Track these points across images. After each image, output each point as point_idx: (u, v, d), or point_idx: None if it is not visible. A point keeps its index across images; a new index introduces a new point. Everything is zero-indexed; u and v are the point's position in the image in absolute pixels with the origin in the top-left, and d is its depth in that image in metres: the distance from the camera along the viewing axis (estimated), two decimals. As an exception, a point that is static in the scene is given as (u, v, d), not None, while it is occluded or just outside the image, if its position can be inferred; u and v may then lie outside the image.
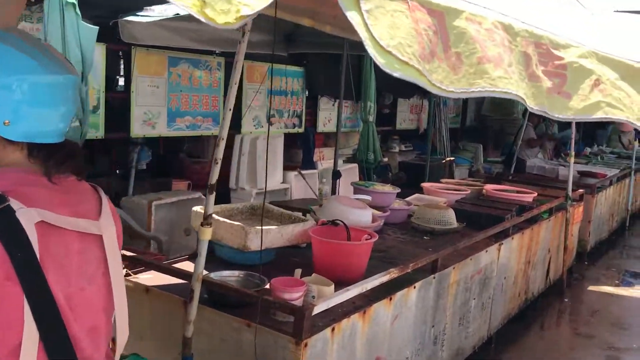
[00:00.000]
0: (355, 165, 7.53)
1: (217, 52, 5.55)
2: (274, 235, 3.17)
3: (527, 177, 8.40)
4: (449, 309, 3.70)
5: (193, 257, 3.56)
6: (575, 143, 14.51)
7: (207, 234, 2.36)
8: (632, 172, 9.75)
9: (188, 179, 5.98)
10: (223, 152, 2.38)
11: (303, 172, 6.77)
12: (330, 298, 2.56)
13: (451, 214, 4.56)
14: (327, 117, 7.25)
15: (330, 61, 7.03)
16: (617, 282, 6.76)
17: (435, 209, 4.56)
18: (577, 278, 6.76)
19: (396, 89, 8.46)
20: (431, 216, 4.51)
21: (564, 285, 6.09)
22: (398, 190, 4.72)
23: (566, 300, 5.93)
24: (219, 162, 2.31)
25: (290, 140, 7.05)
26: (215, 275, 2.85)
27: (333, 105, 7.27)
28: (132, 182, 5.21)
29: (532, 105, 1.76)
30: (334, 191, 5.41)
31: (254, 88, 6.04)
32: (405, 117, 9.11)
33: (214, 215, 3.23)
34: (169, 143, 5.91)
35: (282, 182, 6.57)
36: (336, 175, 5.22)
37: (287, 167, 6.72)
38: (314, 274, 2.89)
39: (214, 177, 2.32)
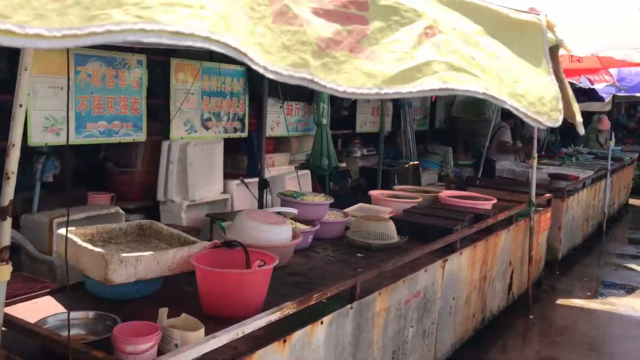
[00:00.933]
0: (307, 172, 6.96)
1: (136, 48, 4.96)
2: (147, 263, 2.58)
3: (495, 181, 7.87)
4: (376, 342, 3.13)
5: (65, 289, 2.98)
6: (551, 143, 14.14)
7: (2, 274, 1.76)
8: (608, 173, 9.26)
9: (114, 191, 5.39)
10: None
11: (247, 180, 6.21)
12: (181, 351, 1.97)
13: (390, 227, 4.00)
14: (275, 120, 6.67)
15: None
16: (589, 294, 6.23)
17: (373, 221, 4.00)
18: (546, 290, 6.22)
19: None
20: (367, 229, 3.95)
21: (529, 300, 5.54)
22: (330, 200, 4.15)
23: (531, 317, 5.37)
24: (12, 177, 1.72)
25: (234, 146, 6.48)
26: (54, 319, 2.26)
27: (280, 107, 6.70)
28: (37, 198, 4.60)
29: (279, 68, 1.14)
30: (262, 203, 4.82)
31: (184, 89, 5.46)
32: (367, 119, 8.55)
33: (74, 239, 2.65)
34: (86, 151, 5.31)
35: (223, 192, 5.98)
36: (263, 184, 4.62)
37: (229, 175, 6.14)
38: (182, 315, 2.31)
39: (6, 198, 1.73)
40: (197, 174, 5.49)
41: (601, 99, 7.96)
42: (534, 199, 5.45)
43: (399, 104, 9.17)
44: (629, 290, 6.40)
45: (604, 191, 9.19)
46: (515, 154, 9.69)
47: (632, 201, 11.76)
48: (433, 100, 10.64)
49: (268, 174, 6.62)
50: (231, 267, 2.74)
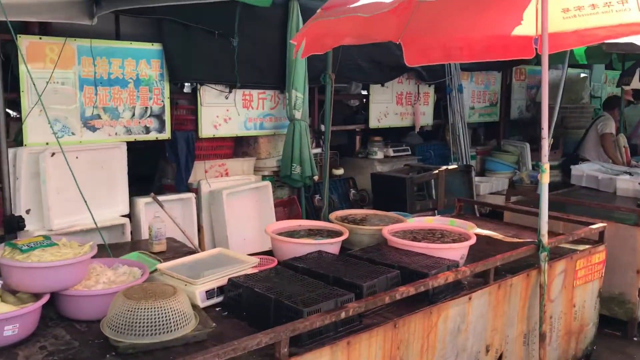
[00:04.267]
0: (267, 184, 5.20)
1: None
2: None
3: (558, 199, 5.54)
4: None
5: None
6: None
7: None
8: None
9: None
10: None
11: (168, 197, 4.66)
12: None
13: (170, 310, 2.20)
14: (221, 114, 5.01)
15: (212, 30, 4.82)
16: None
17: (135, 299, 2.22)
18: (595, 377, 3.93)
19: (362, 71, 5.96)
20: (124, 315, 2.19)
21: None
22: (88, 255, 2.42)
23: None
24: None
25: (160, 151, 4.97)
26: None
27: (227, 97, 5.02)
28: None
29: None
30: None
31: (45, 77, 4.00)
32: (388, 110, 6.52)
33: None
34: None
35: (124, 215, 4.47)
36: (9, 224, 2.86)
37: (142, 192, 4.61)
38: None
39: None
40: (63, 191, 4.01)
41: None
42: (544, 239, 3.26)
43: (445, 89, 7.01)
44: None
45: None
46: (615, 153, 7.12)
47: None
48: (508, 82, 8.24)
49: (208, 187, 5.00)
50: None
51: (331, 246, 3.19)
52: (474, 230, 3.65)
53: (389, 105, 6.55)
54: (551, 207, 5.01)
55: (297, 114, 5.26)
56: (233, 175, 5.24)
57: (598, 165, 6.51)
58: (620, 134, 7.43)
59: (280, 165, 5.45)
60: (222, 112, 5.05)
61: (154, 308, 2.17)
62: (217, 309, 2.58)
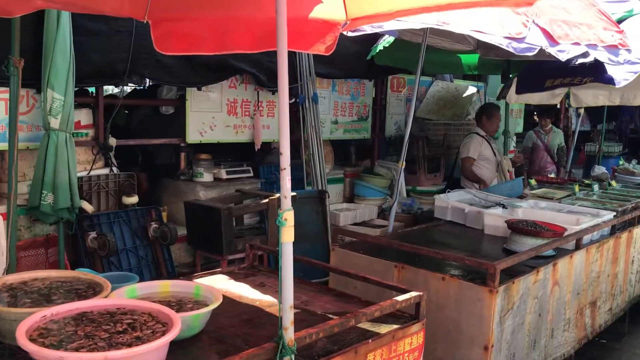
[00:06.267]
0: (-3, 218, 3.74)
1: None
2: None
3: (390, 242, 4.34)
4: None
5: None
6: (592, 156, 10.03)
7: None
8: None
9: None
10: None
11: None
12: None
13: None
14: None
15: None
16: None
17: None
18: None
19: (166, 69, 4.59)
20: None
21: None
22: None
23: None
24: None
25: None
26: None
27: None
28: None
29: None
30: None
31: None
32: (215, 121, 5.19)
33: None
34: None
35: None
36: None
37: None
38: None
39: None
40: None
41: (610, 80, 4.15)
42: (287, 334, 1.95)
43: (296, 98, 5.75)
44: None
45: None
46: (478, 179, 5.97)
47: None
48: (382, 94, 7.10)
49: None
50: None
51: None
52: (214, 305, 2.33)
53: (216, 115, 5.21)
54: (389, 255, 3.81)
55: (55, 122, 3.84)
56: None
57: (470, 194, 5.38)
58: (504, 157, 6.37)
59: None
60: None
61: None
62: None
